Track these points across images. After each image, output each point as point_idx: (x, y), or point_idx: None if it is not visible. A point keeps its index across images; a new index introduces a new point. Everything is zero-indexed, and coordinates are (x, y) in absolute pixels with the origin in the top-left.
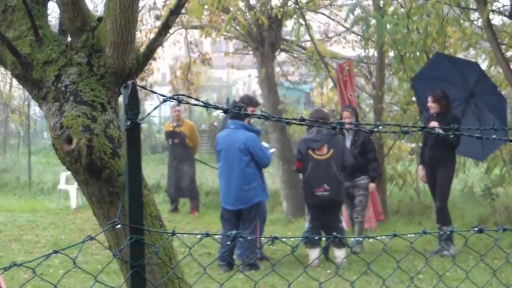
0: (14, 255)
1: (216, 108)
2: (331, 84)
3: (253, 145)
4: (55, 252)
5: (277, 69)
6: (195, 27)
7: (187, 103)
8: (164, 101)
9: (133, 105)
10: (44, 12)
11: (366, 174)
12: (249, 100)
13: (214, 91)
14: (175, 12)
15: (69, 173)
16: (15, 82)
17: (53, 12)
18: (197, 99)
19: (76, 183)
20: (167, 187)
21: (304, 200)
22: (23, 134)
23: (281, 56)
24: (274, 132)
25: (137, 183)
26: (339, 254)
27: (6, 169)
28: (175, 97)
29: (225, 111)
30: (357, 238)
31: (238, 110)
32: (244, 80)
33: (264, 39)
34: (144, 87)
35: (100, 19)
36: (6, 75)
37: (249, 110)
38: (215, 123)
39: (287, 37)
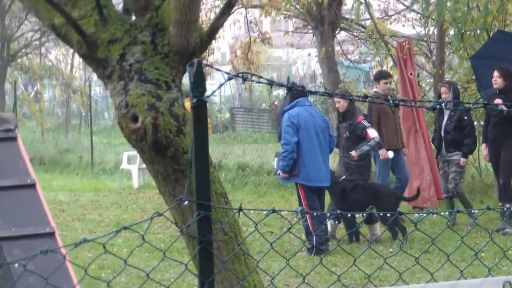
0: (78, 234)
1: (281, 85)
2: (391, 63)
3: (329, 125)
4: (124, 228)
5: (336, 48)
6: (255, 6)
7: (252, 80)
8: (229, 78)
9: (199, 83)
10: None
11: (460, 149)
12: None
13: (273, 70)
14: None
15: (131, 153)
16: (76, 63)
17: None
18: (261, 77)
19: (138, 163)
20: None
21: None
22: (85, 115)
23: (341, 35)
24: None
25: (203, 159)
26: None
27: (69, 149)
28: (240, 75)
29: (289, 88)
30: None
31: (302, 88)
32: (303, 59)
33: (324, 17)
34: (209, 65)
35: None
36: (67, 55)
37: (382, 82)
38: (276, 102)
39: (347, 16)
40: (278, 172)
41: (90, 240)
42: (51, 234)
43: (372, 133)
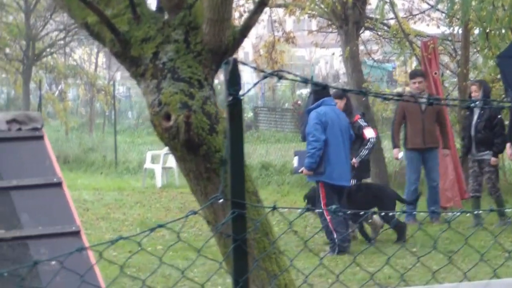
0: (102, 233)
1: (316, 84)
2: (414, 63)
3: (349, 125)
4: (160, 226)
5: (361, 47)
6: (279, 6)
7: (286, 78)
8: (264, 77)
9: (234, 81)
10: None
11: (490, 149)
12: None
13: (296, 70)
14: None
15: (154, 152)
16: (100, 62)
17: None
18: (296, 75)
19: (161, 163)
20: None
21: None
22: (108, 114)
23: (365, 34)
24: (358, 110)
25: (238, 158)
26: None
27: (93, 148)
28: (275, 73)
29: (324, 86)
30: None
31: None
32: (326, 58)
33: (348, 17)
34: (245, 63)
35: None
36: (91, 54)
37: (411, 82)
38: (299, 102)
39: (371, 15)
40: (300, 170)
41: (126, 238)
42: (77, 233)
43: (369, 133)
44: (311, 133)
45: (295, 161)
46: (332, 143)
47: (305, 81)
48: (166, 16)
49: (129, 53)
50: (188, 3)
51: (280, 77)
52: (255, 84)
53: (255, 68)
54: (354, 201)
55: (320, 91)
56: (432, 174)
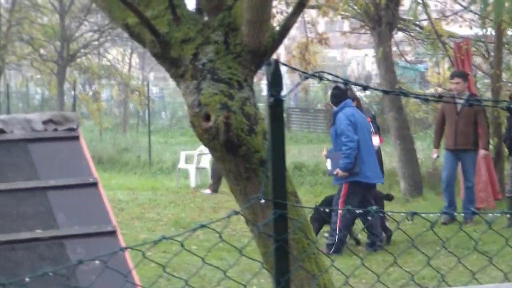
0: (137, 232)
1: (356, 84)
2: (447, 64)
3: None
4: (202, 226)
5: (393, 48)
6: (312, 7)
7: (328, 79)
8: (305, 78)
9: (276, 82)
10: None
11: None
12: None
13: (328, 71)
14: None
15: (188, 152)
16: (133, 62)
17: None
18: (337, 76)
19: (195, 163)
20: None
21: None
22: (142, 114)
23: (398, 36)
24: (391, 111)
25: (280, 158)
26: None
27: (127, 148)
28: (316, 74)
29: (365, 88)
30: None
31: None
32: (358, 59)
33: (381, 18)
34: (286, 64)
35: None
36: (124, 55)
37: (454, 81)
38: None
39: (404, 16)
40: (335, 172)
41: (169, 238)
42: (113, 233)
43: (374, 141)
44: (344, 134)
45: (328, 164)
46: (363, 143)
47: (345, 82)
48: (205, 18)
49: (169, 54)
50: (227, 5)
51: (321, 78)
52: (296, 85)
53: (296, 69)
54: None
55: (340, 93)
56: (467, 175)
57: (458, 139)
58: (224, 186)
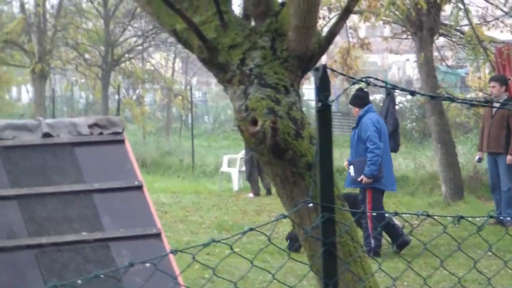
0: (180, 235)
1: (404, 90)
2: (487, 69)
3: None
4: (251, 229)
5: (434, 53)
6: (354, 12)
7: (375, 84)
8: (353, 83)
9: (324, 87)
10: None
11: None
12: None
13: (369, 75)
14: None
15: (231, 156)
16: (177, 67)
17: None
18: (384, 81)
19: (238, 166)
20: None
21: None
22: (184, 118)
23: (439, 41)
24: (433, 115)
25: (328, 162)
26: None
27: (170, 152)
28: (364, 79)
29: (413, 93)
30: None
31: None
32: (398, 64)
33: (423, 23)
34: (334, 70)
35: (283, 4)
36: (168, 60)
37: (491, 85)
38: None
39: (446, 21)
40: (359, 179)
41: (218, 241)
42: (158, 235)
43: None
44: (371, 141)
45: (352, 171)
46: (385, 149)
47: (393, 87)
48: (252, 23)
49: (217, 59)
50: (274, 11)
51: (369, 83)
52: (344, 90)
53: (344, 75)
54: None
55: (364, 95)
56: (502, 179)
57: (490, 142)
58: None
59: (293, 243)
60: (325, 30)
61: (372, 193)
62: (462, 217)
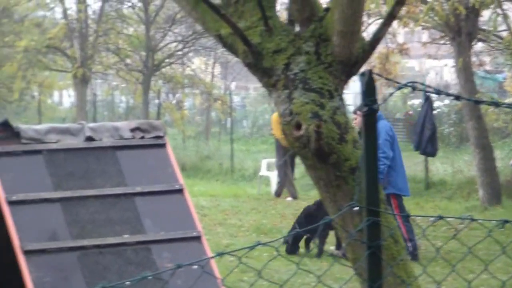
0: (219, 238)
1: (448, 94)
2: None
3: None
4: (297, 232)
5: (473, 58)
6: None
7: (420, 89)
8: (399, 88)
9: (370, 92)
10: (273, 3)
11: None
12: None
13: (408, 81)
14: (400, 2)
15: (270, 160)
16: (216, 72)
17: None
18: (429, 86)
19: (276, 170)
20: None
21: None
22: (224, 122)
23: (477, 46)
24: (471, 120)
25: (373, 166)
26: None
27: (209, 156)
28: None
29: (457, 98)
30: None
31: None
32: (436, 69)
33: (461, 28)
34: (380, 75)
35: (327, 9)
36: (207, 65)
37: None
38: (410, 112)
39: (484, 27)
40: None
41: (265, 244)
42: (198, 238)
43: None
44: (381, 150)
45: None
46: (397, 156)
47: (438, 92)
48: (297, 29)
49: (261, 64)
50: (318, 16)
51: (414, 88)
52: (390, 95)
53: (390, 80)
54: (316, 218)
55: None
56: None
57: None
58: (304, 193)
59: (290, 246)
60: (364, 36)
61: (395, 199)
62: (507, 221)
